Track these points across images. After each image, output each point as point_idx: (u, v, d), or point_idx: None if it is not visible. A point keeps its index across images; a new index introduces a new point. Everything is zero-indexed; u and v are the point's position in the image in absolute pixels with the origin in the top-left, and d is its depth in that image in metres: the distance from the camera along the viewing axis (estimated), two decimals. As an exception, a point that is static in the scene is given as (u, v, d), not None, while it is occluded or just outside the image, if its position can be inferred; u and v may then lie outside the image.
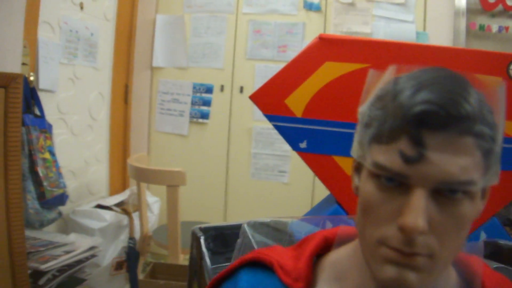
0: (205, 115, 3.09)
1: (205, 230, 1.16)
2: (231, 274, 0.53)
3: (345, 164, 1.31)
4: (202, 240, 1.11)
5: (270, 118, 1.31)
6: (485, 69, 1.22)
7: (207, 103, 3.09)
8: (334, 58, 1.24)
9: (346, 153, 1.33)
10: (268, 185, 3.04)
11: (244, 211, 3.06)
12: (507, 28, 2.85)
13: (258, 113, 3.05)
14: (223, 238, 1.16)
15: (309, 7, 2.97)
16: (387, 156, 0.39)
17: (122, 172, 3.02)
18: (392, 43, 1.19)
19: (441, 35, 2.77)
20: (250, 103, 2.98)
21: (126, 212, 2.56)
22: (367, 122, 0.43)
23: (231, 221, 1.62)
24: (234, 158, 3.12)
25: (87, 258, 1.86)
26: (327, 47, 1.25)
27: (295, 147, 1.34)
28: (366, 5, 2.91)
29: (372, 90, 0.46)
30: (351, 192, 0.49)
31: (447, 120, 0.37)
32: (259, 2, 3.02)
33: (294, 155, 2.97)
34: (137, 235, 2.51)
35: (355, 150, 0.47)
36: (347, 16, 2.92)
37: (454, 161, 0.37)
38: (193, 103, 3.10)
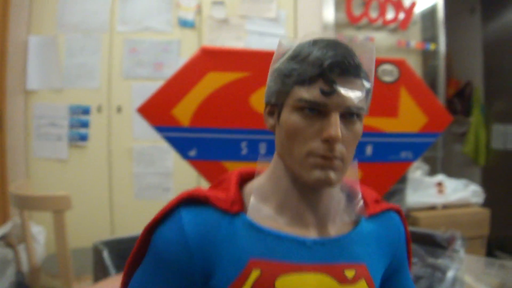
0: (83, 137, 3.00)
1: (108, 244, 1.08)
2: (168, 215, 0.58)
3: (234, 168, 1.35)
4: (105, 255, 1.02)
5: (159, 129, 1.33)
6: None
7: (85, 124, 3.00)
8: (217, 69, 1.30)
9: (233, 157, 1.39)
10: (153, 204, 2.98)
11: (132, 232, 2.98)
12: (372, 39, 2.96)
13: (138, 132, 3.02)
14: (129, 251, 1.10)
15: (184, 24, 2.98)
16: (310, 93, 0.51)
17: (2, 203, 2.86)
18: (269, 52, 1.25)
19: (311, 47, 2.84)
20: (128, 122, 2.98)
21: (10, 245, 2.42)
22: (286, 73, 0.55)
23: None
24: (116, 180, 3.04)
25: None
26: (209, 59, 1.30)
27: (184, 155, 1.37)
28: (239, 21, 2.96)
29: (280, 55, 0.59)
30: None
31: (347, 68, 0.52)
32: (133, 19, 2.99)
33: (177, 171, 2.99)
34: (25, 268, 2.38)
35: (271, 97, 0.58)
36: (221, 32, 2.95)
37: (353, 94, 0.51)
38: (71, 126, 3.00)
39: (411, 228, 1.30)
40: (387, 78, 1.45)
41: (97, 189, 3.03)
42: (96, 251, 1.02)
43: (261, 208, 0.58)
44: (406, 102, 1.45)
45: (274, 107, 0.60)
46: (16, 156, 2.96)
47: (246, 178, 0.64)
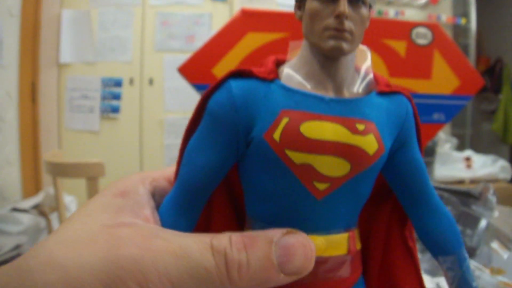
0: (115, 109, 3.08)
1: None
2: (219, 86, 0.67)
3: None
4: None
5: (198, 87, 1.36)
6: (391, 35, 1.39)
7: (117, 97, 3.07)
8: (256, 29, 1.35)
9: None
10: (184, 175, 3.04)
11: (162, 203, 3.05)
12: (402, 12, 2.96)
13: (169, 104, 3.08)
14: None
15: (215, -3, 3.01)
16: None
17: (35, 173, 2.95)
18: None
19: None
20: (160, 94, 3.04)
21: (43, 214, 2.50)
22: None
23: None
24: (148, 151, 3.11)
25: (12, 258, 1.77)
26: (249, 20, 1.34)
27: (223, 114, 1.43)
28: (270, -6, 2.98)
29: None
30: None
31: None
32: (165, -6, 3.03)
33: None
34: (56, 234, 2.44)
35: None
36: (252, 5, 2.97)
37: None
38: (103, 98, 3.07)
39: (442, 185, 1.32)
40: (421, 41, 1.48)
41: (128, 161, 3.10)
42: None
43: (292, 77, 0.70)
44: (439, 64, 1.47)
45: (300, 2, 0.73)
46: (48, 128, 3.04)
47: (280, 62, 0.77)
